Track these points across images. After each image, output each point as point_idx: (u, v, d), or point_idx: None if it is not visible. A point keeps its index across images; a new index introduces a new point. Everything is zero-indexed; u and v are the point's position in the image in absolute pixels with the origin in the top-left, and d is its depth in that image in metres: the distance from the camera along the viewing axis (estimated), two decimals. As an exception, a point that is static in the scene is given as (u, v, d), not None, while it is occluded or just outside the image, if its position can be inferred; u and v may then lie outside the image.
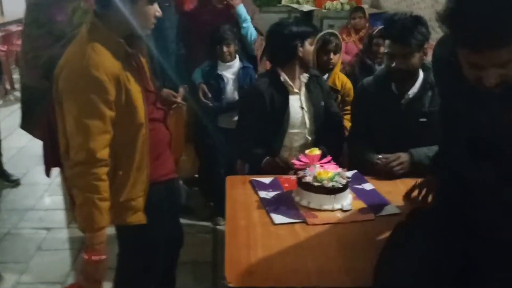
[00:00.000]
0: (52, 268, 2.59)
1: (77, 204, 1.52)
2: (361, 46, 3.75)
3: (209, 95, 2.71)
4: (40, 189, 3.46)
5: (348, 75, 2.93)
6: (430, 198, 1.69)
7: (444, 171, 1.43)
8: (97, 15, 1.53)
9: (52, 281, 2.48)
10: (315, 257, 1.41)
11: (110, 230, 1.59)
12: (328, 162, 1.75)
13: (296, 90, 2.16)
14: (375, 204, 1.70)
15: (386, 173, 1.89)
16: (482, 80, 1.07)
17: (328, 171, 1.69)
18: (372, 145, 2.13)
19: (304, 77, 2.17)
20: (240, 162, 2.40)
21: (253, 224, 1.58)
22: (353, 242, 1.49)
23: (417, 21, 1.90)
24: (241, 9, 2.87)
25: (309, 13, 5.86)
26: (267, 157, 2.09)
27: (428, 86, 1.98)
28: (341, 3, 5.82)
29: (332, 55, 2.72)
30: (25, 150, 4.12)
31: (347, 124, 2.69)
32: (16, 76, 5.71)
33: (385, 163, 1.88)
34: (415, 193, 1.73)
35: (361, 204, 1.71)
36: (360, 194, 1.78)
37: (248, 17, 2.89)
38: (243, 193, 1.81)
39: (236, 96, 2.74)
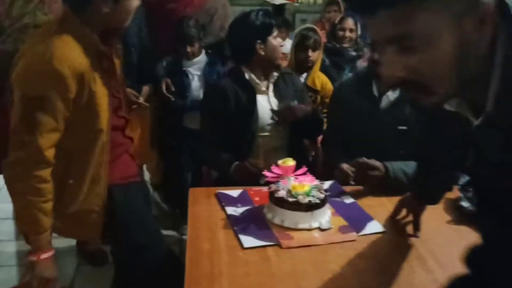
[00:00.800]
0: (-4, 288, 2.31)
1: (17, 207, 1.37)
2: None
3: (173, 89, 2.47)
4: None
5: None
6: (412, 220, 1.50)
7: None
8: (69, 5, 1.37)
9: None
10: (289, 285, 1.21)
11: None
12: (304, 174, 1.54)
13: (263, 89, 1.95)
14: (356, 221, 1.51)
15: (359, 180, 1.70)
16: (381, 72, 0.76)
17: (304, 185, 1.49)
18: (346, 153, 1.95)
19: (274, 75, 1.96)
20: (207, 168, 2.18)
21: (218, 248, 1.36)
22: (332, 269, 1.29)
23: None
24: None
25: (281, 7, 5.66)
26: (236, 163, 1.88)
27: None
28: (315, -4, 5.65)
29: (310, 52, 2.52)
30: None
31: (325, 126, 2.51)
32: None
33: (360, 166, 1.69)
34: (402, 213, 1.54)
35: (340, 221, 1.51)
36: (339, 209, 1.59)
37: None
38: (207, 209, 1.58)
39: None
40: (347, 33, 3.02)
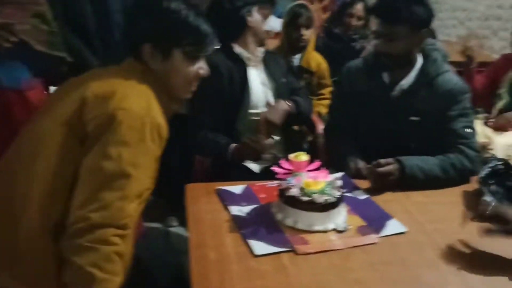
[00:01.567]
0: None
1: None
2: (325, 16, 3.42)
3: None
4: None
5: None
6: None
7: None
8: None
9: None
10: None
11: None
12: (317, 169, 1.38)
13: (254, 64, 1.87)
14: (375, 220, 1.37)
15: (373, 181, 1.56)
16: None
17: (318, 182, 1.33)
18: (354, 142, 1.81)
19: (260, 51, 1.88)
20: (199, 157, 1.99)
21: (227, 256, 1.20)
22: (357, 278, 1.15)
23: None
24: None
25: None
26: (235, 144, 1.73)
27: (426, 78, 1.67)
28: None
29: (303, 31, 2.35)
30: None
31: (322, 110, 2.35)
32: None
33: (374, 171, 1.54)
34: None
35: (358, 221, 1.37)
36: (354, 206, 1.44)
37: None
38: (209, 209, 1.41)
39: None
40: (354, 21, 2.82)
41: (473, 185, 1.61)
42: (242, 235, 1.28)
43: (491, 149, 2.23)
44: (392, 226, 1.35)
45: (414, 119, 1.67)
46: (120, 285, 1.09)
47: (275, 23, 3.03)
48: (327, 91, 2.48)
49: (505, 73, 2.49)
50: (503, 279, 1.16)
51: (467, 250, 1.27)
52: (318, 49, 2.56)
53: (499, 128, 2.37)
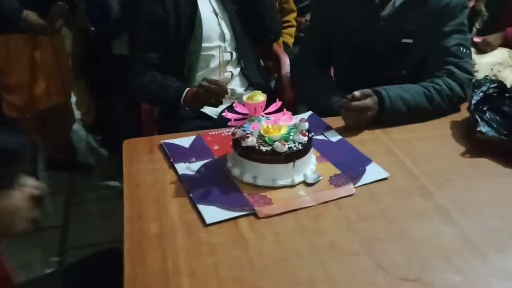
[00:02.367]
0: None
1: None
2: None
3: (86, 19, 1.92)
4: None
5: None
6: None
7: None
8: None
9: None
10: (279, 277, 0.85)
11: None
12: (278, 110, 1.13)
13: None
14: (350, 166, 1.15)
15: (347, 119, 1.32)
16: None
17: (280, 126, 1.09)
18: (328, 75, 1.57)
19: None
20: (145, 106, 1.71)
21: (171, 229, 0.97)
22: (332, 241, 0.93)
23: None
24: None
25: None
26: (188, 89, 1.47)
27: None
28: None
29: None
30: None
31: (289, 40, 2.07)
32: None
33: (348, 106, 1.29)
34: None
35: (330, 168, 1.14)
36: (325, 151, 1.21)
37: None
38: (150, 169, 1.16)
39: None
40: None
41: (462, 113, 1.38)
42: (190, 200, 1.04)
43: (475, 71, 2.04)
44: (371, 172, 1.13)
45: (406, 42, 1.42)
46: None
47: None
48: (291, 17, 2.18)
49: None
50: (505, 228, 0.96)
51: (461, 194, 1.06)
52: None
53: (482, 51, 2.17)
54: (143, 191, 1.08)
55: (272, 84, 2.02)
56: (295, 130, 1.11)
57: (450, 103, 1.38)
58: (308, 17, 2.28)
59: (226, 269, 0.87)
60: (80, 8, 1.96)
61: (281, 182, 1.07)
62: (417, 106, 1.34)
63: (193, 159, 1.18)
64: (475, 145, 1.23)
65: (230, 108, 1.49)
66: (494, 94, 1.31)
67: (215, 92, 1.40)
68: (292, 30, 2.17)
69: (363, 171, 1.13)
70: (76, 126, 2.62)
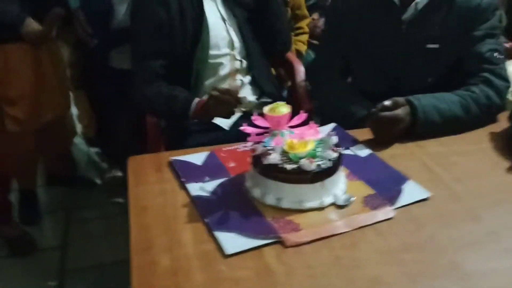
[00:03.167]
0: None
1: None
2: None
3: (89, 30, 1.79)
4: None
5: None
6: None
7: None
8: None
9: None
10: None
11: None
12: (303, 123, 1.00)
13: None
14: (385, 185, 1.02)
15: (377, 131, 1.19)
16: None
17: (306, 141, 0.96)
18: (349, 84, 1.46)
19: None
20: (151, 119, 1.58)
21: (186, 261, 0.83)
22: (370, 273, 0.80)
23: None
24: None
25: None
26: (197, 99, 1.36)
27: None
28: None
29: None
30: None
31: (301, 47, 1.95)
32: None
33: (378, 117, 1.16)
34: None
35: (362, 188, 1.01)
36: (355, 168, 1.08)
37: None
38: (159, 190, 1.03)
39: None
40: None
41: (501, 124, 1.25)
42: (206, 226, 0.91)
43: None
44: (410, 192, 1.00)
45: (432, 47, 1.29)
46: None
47: None
48: (304, 23, 2.06)
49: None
50: None
51: (507, 215, 0.93)
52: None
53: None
54: (152, 216, 0.95)
55: (284, 93, 1.89)
56: (323, 145, 0.98)
57: (488, 112, 1.25)
58: (315, 15, 2.16)
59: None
60: (78, 16, 1.82)
61: (308, 205, 0.94)
62: (452, 117, 1.21)
63: (207, 178, 1.05)
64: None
65: (244, 119, 1.36)
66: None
67: (227, 102, 1.28)
68: (305, 37, 2.05)
69: (400, 191, 1.00)
70: (78, 140, 2.50)
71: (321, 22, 2.12)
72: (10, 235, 1.91)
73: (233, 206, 0.96)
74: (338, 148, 0.98)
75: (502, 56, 1.30)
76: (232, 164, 1.10)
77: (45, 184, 2.26)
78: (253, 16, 1.55)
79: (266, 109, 0.97)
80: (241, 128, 0.99)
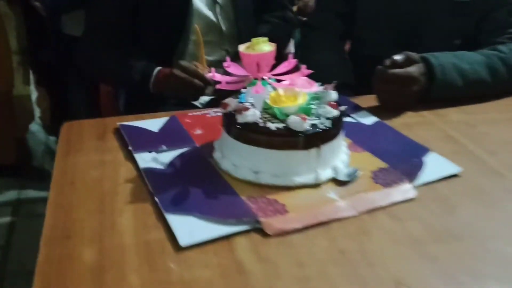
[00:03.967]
0: None
1: None
2: None
3: None
4: None
5: None
6: None
7: None
8: None
9: None
10: None
11: None
12: (292, 70, 0.74)
13: None
14: (400, 157, 0.76)
15: (385, 94, 0.94)
16: None
17: (296, 92, 0.70)
18: (358, 43, 1.22)
19: None
20: (107, 90, 1.31)
21: (119, 256, 0.57)
22: (394, 274, 0.54)
23: None
24: None
25: None
26: (159, 68, 1.07)
27: None
28: None
29: None
30: None
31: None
32: None
33: (387, 75, 0.91)
34: None
35: (370, 160, 0.76)
36: (358, 137, 0.82)
37: None
38: (97, 163, 0.76)
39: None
40: None
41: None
42: (155, 208, 0.64)
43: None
44: (434, 165, 0.74)
45: (461, 0, 1.06)
46: None
47: None
48: None
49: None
50: None
51: None
52: None
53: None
54: (79, 195, 0.68)
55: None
56: (318, 100, 0.72)
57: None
58: None
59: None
60: None
61: (299, 179, 0.68)
62: (476, 79, 0.97)
63: (164, 147, 0.78)
64: None
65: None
66: None
67: (192, 86, 1.01)
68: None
69: (421, 164, 0.74)
70: (35, 127, 2.21)
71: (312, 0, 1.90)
72: None
73: (195, 181, 0.69)
74: (339, 106, 0.73)
75: None
76: (198, 131, 0.84)
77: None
78: None
79: (242, 47, 0.71)
80: (208, 74, 0.73)
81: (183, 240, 0.58)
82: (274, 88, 0.71)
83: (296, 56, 0.74)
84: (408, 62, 0.91)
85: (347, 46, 1.30)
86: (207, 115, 0.90)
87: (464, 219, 0.64)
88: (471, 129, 0.88)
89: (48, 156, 2.18)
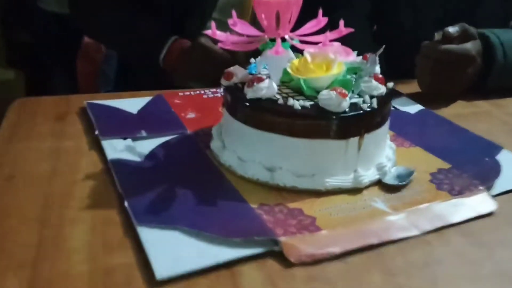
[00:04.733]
0: None
1: None
2: None
3: None
4: None
5: None
6: None
7: None
8: None
9: None
10: None
11: None
12: (321, 30, 0.54)
13: None
14: (465, 155, 0.56)
15: (430, 76, 0.73)
16: None
17: (330, 59, 0.50)
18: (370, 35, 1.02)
19: None
20: (87, 71, 1.10)
21: (58, 293, 0.36)
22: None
23: None
24: None
25: None
26: (176, 36, 0.85)
27: None
28: None
29: None
30: None
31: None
32: None
33: (439, 51, 0.70)
34: None
35: (424, 158, 0.56)
36: (403, 128, 0.62)
37: None
38: (47, 152, 0.55)
39: None
40: None
41: None
42: (122, 217, 0.44)
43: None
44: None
45: None
46: None
47: None
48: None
49: None
50: None
51: None
52: None
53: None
54: (18, 194, 0.47)
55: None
56: (359, 70, 0.52)
57: None
58: None
59: None
60: None
61: (333, 182, 0.48)
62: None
63: (143, 133, 0.58)
64: None
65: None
66: None
67: (222, 61, 0.77)
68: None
69: (497, 166, 0.54)
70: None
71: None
72: None
73: (184, 180, 0.49)
74: (385, 83, 0.53)
75: None
76: (191, 115, 0.64)
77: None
78: None
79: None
80: (206, 32, 0.52)
81: (161, 270, 0.37)
82: (299, 52, 0.51)
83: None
84: (463, 37, 0.72)
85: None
86: (203, 96, 0.70)
87: None
88: (543, 124, 0.69)
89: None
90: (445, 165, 0.54)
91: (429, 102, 0.72)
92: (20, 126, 0.60)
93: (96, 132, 0.57)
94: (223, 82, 0.52)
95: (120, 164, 0.51)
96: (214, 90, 0.71)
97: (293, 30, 0.53)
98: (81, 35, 1.15)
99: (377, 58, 0.51)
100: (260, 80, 0.48)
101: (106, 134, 0.56)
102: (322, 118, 0.47)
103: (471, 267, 0.41)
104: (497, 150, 0.58)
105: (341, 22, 0.52)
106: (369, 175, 0.49)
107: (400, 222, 0.45)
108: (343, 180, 0.48)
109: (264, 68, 0.50)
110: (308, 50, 0.50)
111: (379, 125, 0.50)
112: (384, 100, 0.50)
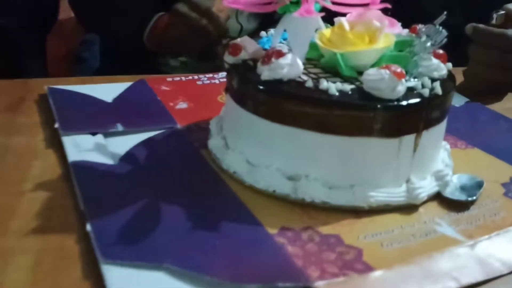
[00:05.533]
0: None
1: None
2: None
3: None
4: None
5: None
6: None
7: None
8: None
9: None
10: None
11: None
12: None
13: None
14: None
15: (477, 71, 0.60)
16: None
17: (375, 28, 0.36)
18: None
19: None
20: (59, 55, 0.95)
21: None
22: None
23: None
24: None
25: None
26: (162, 13, 0.72)
27: None
28: None
29: None
30: None
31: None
32: None
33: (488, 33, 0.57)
34: None
35: (486, 162, 0.42)
36: (452, 124, 0.49)
37: None
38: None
39: None
40: None
41: None
42: (88, 249, 0.30)
43: None
44: None
45: None
46: None
47: None
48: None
49: None
50: None
51: None
52: None
53: None
54: None
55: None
56: (412, 48, 0.39)
57: None
58: None
59: None
60: None
61: (378, 196, 0.35)
62: None
63: (118, 127, 0.44)
64: None
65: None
66: None
67: (203, 30, 0.65)
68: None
69: None
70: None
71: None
72: None
73: (172, 194, 0.35)
74: (444, 60, 0.39)
75: None
76: (182, 105, 0.50)
77: None
78: None
79: None
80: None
81: None
82: (330, 18, 0.37)
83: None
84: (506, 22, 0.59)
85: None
86: (197, 82, 0.56)
87: None
88: None
89: None
90: (519, 172, 0.41)
91: (472, 93, 0.59)
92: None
93: (56, 125, 0.43)
94: (228, 58, 0.38)
95: (85, 168, 0.37)
96: (210, 75, 0.57)
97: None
98: (57, 9, 1.01)
99: (440, 28, 0.37)
100: (281, 54, 0.34)
101: (69, 128, 0.42)
102: (367, 108, 0.33)
103: None
104: None
105: None
106: (426, 186, 0.36)
107: (480, 255, 0.31)
108: (393, 194, 0.35)
109: (282, 42, 0.37)
110: (346, 13, 0.36)
111: (439, 119, 0.37)
112: (449, 85, 0.37)
